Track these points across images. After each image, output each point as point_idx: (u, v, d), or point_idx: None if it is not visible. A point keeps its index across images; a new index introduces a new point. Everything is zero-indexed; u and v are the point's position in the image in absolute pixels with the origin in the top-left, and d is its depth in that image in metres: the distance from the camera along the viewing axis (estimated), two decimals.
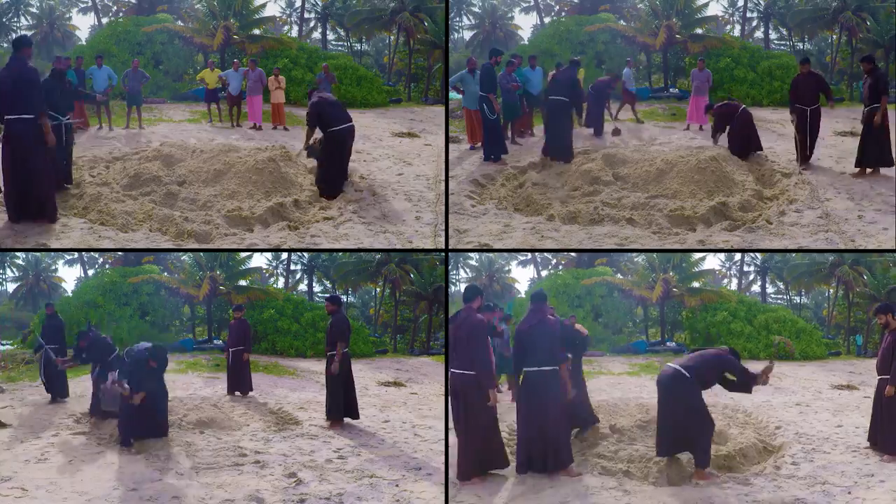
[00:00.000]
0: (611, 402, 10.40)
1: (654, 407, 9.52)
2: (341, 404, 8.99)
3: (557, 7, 28.92)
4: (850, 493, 6.32)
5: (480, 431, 6.74)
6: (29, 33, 29.95)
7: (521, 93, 13.16)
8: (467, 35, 31.24)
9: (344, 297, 26.78)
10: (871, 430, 7.82)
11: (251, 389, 11.55)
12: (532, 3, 31.55)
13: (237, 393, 11.46)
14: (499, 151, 11.74)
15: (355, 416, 9.16)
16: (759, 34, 29.24)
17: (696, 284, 22.02)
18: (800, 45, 25.93)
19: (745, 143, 11.86)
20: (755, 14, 29.61)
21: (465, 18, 31.10)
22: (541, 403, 6.82)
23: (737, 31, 28.83)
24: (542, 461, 6.81)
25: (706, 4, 22.94)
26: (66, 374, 10.54)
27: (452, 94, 13.39)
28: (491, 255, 27.55)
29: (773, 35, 28.99)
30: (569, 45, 20.76)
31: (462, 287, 31.28)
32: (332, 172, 10.10)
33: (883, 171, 10.81)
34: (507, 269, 32.91)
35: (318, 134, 10.11)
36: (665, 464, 6.83)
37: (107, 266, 24.25)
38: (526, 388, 6.91)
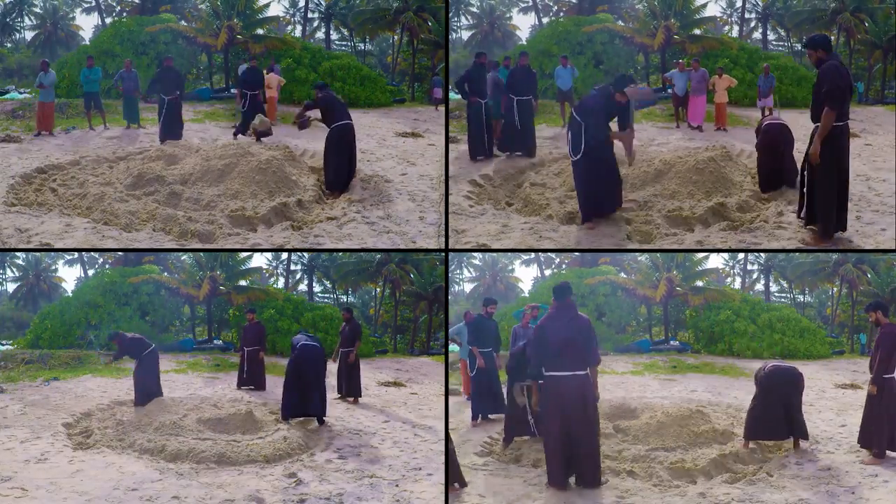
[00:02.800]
0: (614, 402, 10.42)
1: (658, 406, 9.61)
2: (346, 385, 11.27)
3: (556, 7, 28.95)
4: (853, 493, 6.33)
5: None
6: (32, 33, 30.17)
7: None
8: (465, 35, 31.33)
9: (344, 298, 26.86)
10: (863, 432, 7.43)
11: (264, 388, 12.15)
12: (530, 4, 31.58)
13: (252, 387, 12.24)
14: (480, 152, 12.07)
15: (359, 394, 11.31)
16: (757, 35, 29.31)
17: (699, 283, 21.99)
18: (797, 46, 25.99)
19: (770, 167, 9.93)
20: (753, 15, 29.68)
21: (463, 18, 31.17)
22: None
23: (735, 32, 28.93)
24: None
25: (704, 5, 22.95)
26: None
27: (452, 95, 13.47)
28: (494, 254, 27.50)
29: (771, 36, 29.05)
30: (567, 45, 20.77)
31: (465, 287, 31.45)
32: (336, 165, 10.39)
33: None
34: (510, 268, 32.93)
35: (315, 114, 10.79)
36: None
37: (107, 266, 24.29)
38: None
